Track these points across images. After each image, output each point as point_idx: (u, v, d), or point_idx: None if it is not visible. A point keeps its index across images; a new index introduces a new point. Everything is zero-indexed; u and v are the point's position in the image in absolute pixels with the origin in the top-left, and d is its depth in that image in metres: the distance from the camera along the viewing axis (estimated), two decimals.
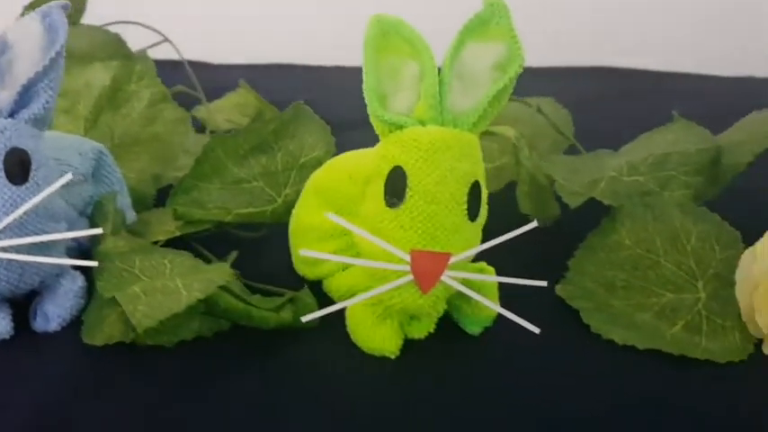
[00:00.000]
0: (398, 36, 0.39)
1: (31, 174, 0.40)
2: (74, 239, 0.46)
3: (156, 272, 0.40)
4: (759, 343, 0.41)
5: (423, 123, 0.38)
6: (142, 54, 0.75)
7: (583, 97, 0.85)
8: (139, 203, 0.52)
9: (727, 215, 0.47)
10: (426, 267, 0.36)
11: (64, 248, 0.43)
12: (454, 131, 0.38)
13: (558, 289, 0.45)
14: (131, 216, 0.50)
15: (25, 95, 0.40)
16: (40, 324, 0.42)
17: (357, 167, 0.41)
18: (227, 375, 0.38)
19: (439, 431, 0.35)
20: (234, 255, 0.47)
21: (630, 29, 1.16)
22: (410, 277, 0.37)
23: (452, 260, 0.37)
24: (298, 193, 0.49)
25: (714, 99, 0.85)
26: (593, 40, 1.12)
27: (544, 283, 0.38)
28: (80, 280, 0.43)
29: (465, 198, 0.37)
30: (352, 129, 0.58)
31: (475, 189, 0.38)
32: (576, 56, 1.06)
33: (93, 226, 0.46)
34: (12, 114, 0.40)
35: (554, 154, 0.60)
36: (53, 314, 0.42)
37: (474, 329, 0.42)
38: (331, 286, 0.43)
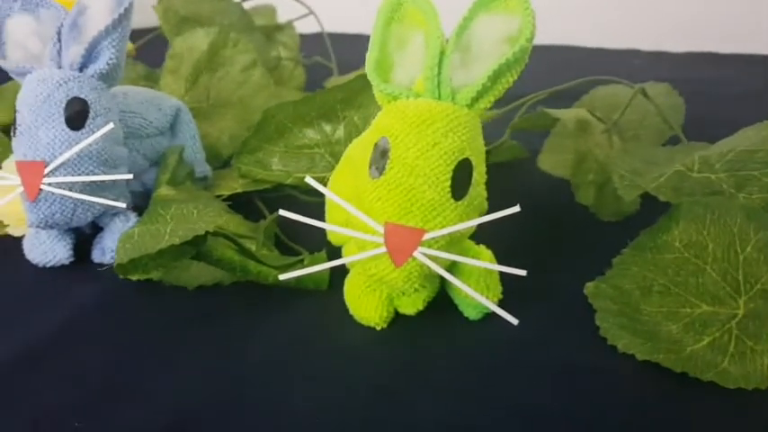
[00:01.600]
0: (413, 5, 0.38)
1: (89, 122, 0.44)
2: (142, 184, 0.50)
3: (181, 218, 0.43)
4: None
5: (418, 96, 0.37)
6: (288, 25, 0.80)
7: (710, 84, 0.76)
8: (216, 160, 0.55)
9: None
10: (398, 241, 0.35)
11: (124, 191, 0.48)
12: (443, 105, 0.36)
13: (588, 286, 0.42)
14: (204, 170, 0.53)
15: (93, 52, 0.45)
16: (96, 255, 0.47)
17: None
18: (211, 323, 0.40)
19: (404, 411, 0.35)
20: (276, 214, 0.49)
21: None
22: (383, 249, 0.36)
23: (426, 237, 0.35)
24: None
25: None
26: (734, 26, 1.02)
27: (523, 272, 0.35)
28: (133, 220, 0.47)
29: (448, 175, 0.35)
30: None
31: (463, 167, 0.36)
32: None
33: (157, 174, 0.50)
34: (81, 68, 0.45)
35: (654, 144, 0.54)
36: (108, 248, 0.47)
37: (471, 314, 0.40)
38: (343, 254, 0.43)
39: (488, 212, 0.51)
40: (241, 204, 0.52)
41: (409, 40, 0.39)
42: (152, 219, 0.43)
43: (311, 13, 0.82)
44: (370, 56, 0.38)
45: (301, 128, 0.53)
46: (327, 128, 0.53)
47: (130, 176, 0.44)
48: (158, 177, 0.49)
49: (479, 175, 0.37)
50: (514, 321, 0.36)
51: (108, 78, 0.46)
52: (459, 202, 0.36)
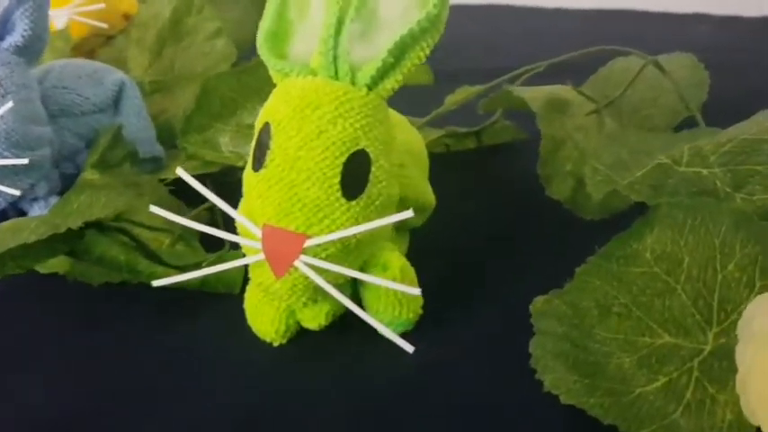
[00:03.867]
0: None
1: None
2: (75, 166, 0.46)
3: (83, 206, 0.39)
4: None
5: (313, 73, 0.31)
6: None
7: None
8: (169, 137, 0.51)
9: None
10: (276, 248, 0.30)
11: (50, 173, 0.44)
12: (333, 86, 0.30)
13: (536, 302, 0.34)
14: (151, 150, 0.49)
15: (6, 24, 0.41)
16: None
17: None
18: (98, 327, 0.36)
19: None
20: (209, 204, 0.44)
21: None
22: (262, 256, 0.30)
23: (308, 243, 0.29)
24: None
25: None
26: None
27: (417, 291, 0.29)
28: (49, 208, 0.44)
29: (337, 170, 0.29)
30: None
31: (356, 161, 0.30)
32: None
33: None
34: None
35: (665, 127, 0.46)
36: None
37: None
38: None
39: (456, 205, 0.44)
40: (190, 187, 0.48)
41: (311, 4, 0.32)
42: (57, 208, 0.39)
43: None
44: (262, 25, 0.32)
45: (255, 104, 0.47)
46: None
47: (24, 161, 0.40)
48: (87, 159, 0.44)
49: (381, 169, 0.30)
50: (409, 349, 0.30)
51: (26, 52, 0.42)
52: (353, 202, 0.30)
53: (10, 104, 0.39)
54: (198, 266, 0.37)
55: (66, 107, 0.45)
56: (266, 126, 0.30)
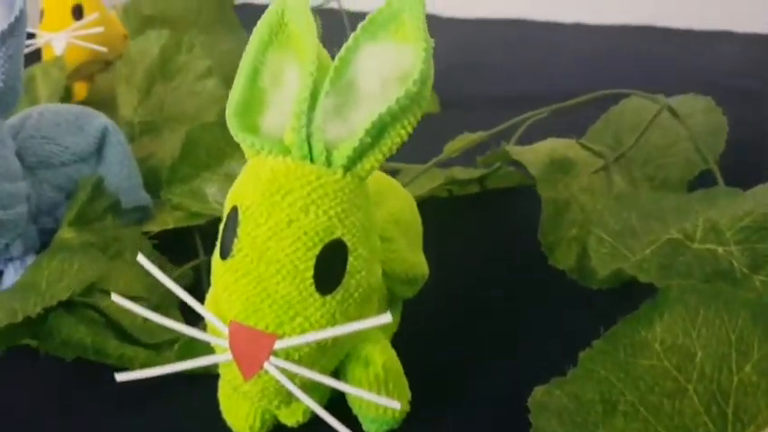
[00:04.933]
0: (297, 29, 0.29)
1: None
2: (55, 220, 0.44)
3: (52, 275, 0.36)
4: None
5: (286, 151, 0.28)
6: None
7: None
8: (156, 184, 0.48)
9: None
10: (244, 348, 0.27)
11: (28, 229, 0.41)
12: (305, 168, 0.27)
13: (537, 393, 0.32)
14: (137, 199, 0.46)
15: None
16: None
17: None
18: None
19: None
20: (198, 261, 0.42)
21: None
22: (229, 356, 0.28)
23: (278, 346, 0.27)
24: None
25: None
26: None
27: (396, 405, 0.26)
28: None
29: (310, 263, 0.27)
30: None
31: (332, 252, 0.27)
32: None
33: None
34: None
35: (680, 182, 0.42)
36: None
37: (370, 428, 0.31)
38: None
39: (458, 257, 0.42)
40: (177, 240, 0.45)
41: (288, 73, 0.30)
42: (25, 278, 0.37)
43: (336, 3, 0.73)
44: (233, 95, 0.30)
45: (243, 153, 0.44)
46: None
47: None
48: (65, 215, 0.42)
49: (360, 258, 0.28)
50: None
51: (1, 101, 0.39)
52: (329, 297, 0.27)
53: None
54: (172, 345, 0.35)
55: (45, 158, 0.43)
56: (234, 210, 0.28)
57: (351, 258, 0.27)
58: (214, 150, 0.44)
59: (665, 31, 0.90)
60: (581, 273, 0.36)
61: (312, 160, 0.28)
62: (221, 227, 0.29)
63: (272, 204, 0.27)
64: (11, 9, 0.39)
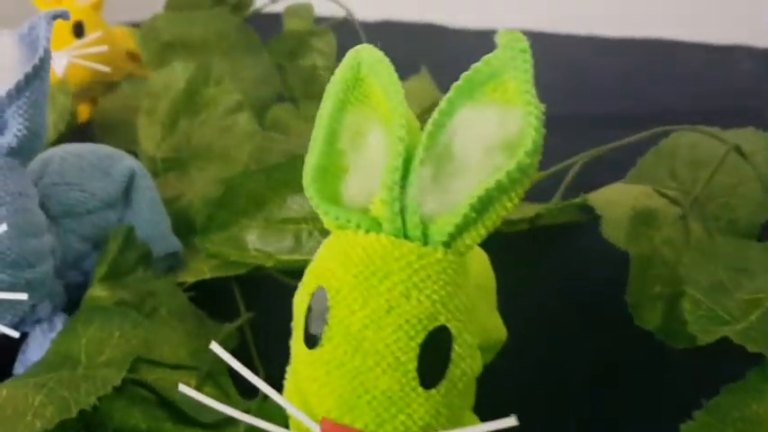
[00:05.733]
0: (376, 85, 0.26)
1: None
2: (82, 273, 0.41)
3: (94, 347, 0.33)
4: None
5: (376, 226, 0.25)
6: (325, 30, 0.69)
7: None
8: (187, 228, 0.45)
9: None
10: None
11: (53, 285, 0.38)
12: (405, 247, 0.24)
13: None
14: (168, 247, 0.43)
15: None
16: (19, 372, 0.38)
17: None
18: None
19: None
20: (244, 318, 0.39)
21: None
22: None
23: None
24: None
25: None
26: None
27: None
28: (59, 327, 0.38)
29: (413, 354, 0.24)
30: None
31: (436, 340, 0.24)
32: None
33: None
34: None
35: (751, 225, 0.40)
36: (30, 364, 0.38)
37: None
38: None
39: (515, 308, 0.39)
40: (213, 290, 0.42)
41: (369, 134, 0.27)
42: (58, 345, 0.33)
43: (349, 15, 0.70)
44: (309, 160, 0.27)
45: (285, 196, 0.42)
46: None
47: (23, 297, 0.34)
48: (95, 270, 0.39)
49: (464, 345, 0.25)
50: None
51: (20, 152, 0.36)
52: (433, 391, 0.24)
53: (3, 228, 0.33)
54: (231, 423, 0.32)
55: (70, 207, 0.39)
56: (321, 292, 0.25)
57: (455, 346, 0.24)
58: (254, 195, 0.41)
59: (673, 44, 0.87)
60: (667, 333, 0.34)
61: (405, 236, 0.25)
62: (300, 309, 0.26)
63: (368, 289, 0.24)
64: (34, 49, 0.36)
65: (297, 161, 0.41)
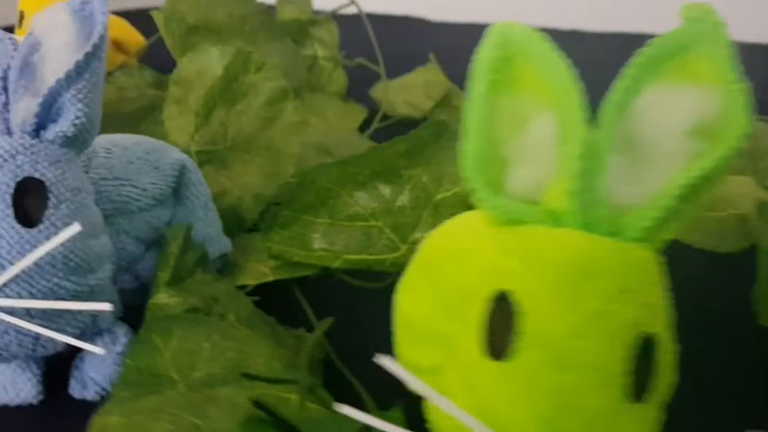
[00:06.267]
0: (530, 64, 0.24)
1: (49, 212, 0.30)
2: (135, 277, 0.37)
3: (184, 362, 0.30)
4: None
5: (556, 220, 0.23)
6: (326, 19, 0.65)
7: None
8: (237, 228, 0.42)
9: None
10: None
11: (110, 295, 0.34)
12: (606, 244, 0.22)
13: None
14: (220, 247, 0.40)
15: (51, 108, 0.31)
16: (75, 390, 0.34)
17: (473, 247, 0.26)
18: None
19: None
20: (327, 322, 0.36)
21: None
22: None
23: None
24: None
25: None
26: None
27: None
28: (122, 340, 0.34)
29: (625, 364, 0.21)
30: None
31: (645, 349, 0.22)
32: None
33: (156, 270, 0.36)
34: (36, 131, 0.31)
35: None
36: (90, 381, 0.34)
37: None
38: (431, 416, 0.29)
39: None
40: (271, 293, 0.39)
41: (529, 119, 0.24)
42: (136, 360, 0.30)
43: (352, 2, 0.67)
44: (469, 148, 0.24)
45: (351, 191, 0.38)
46: (386, 191, 0.38)
47: (109, 308, 0.30)
48: (157, 275, 0.35)
49: (668, 353, 0.22)
50: None
51: (75, 143, 0.32)
52: (643, 405, 0.22)
53: (77, 228, 0.29)
54: None
55: (122, 204, 0.35)
56: (503, 297, 0.22)
57: (661, 353, 0.22)
58: (322, 191, 0.38)
59: None
60: None
61: (595, 232, 0.22)
62: (476, 314, 0.23)
63: (574, 293, 0.21)
64: (89, 25, 0.32)
65: (371, 153, 0.38)
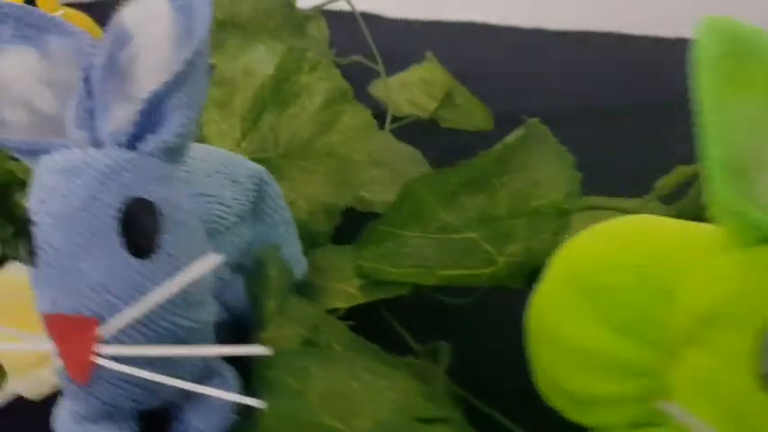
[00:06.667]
0: (760, 62, 0.22)
1: (162, 239, 0.26)
2: (225, 309, 0.32)
3: (342, 410, 0.26)
4: None
5: None
6: (315, 14, 0.61)
7: None
8: (309, 244, 0.38)
9: None
10: None
11: (209, 333, 0.30)
12: None
13: None
14: (301, 267, 0.36)
15: (151, 115, 0.26)
16: None
17: (678, 272, 0.24)
18: None
19: None
20: (447, 349, 0.33)
21: None
22: None
23: None
24: (527, 252, 0.34)
25: None
26: None
27: None
28: (233, 384, 0.30)
29: None
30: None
31: None
32: None
33: (251, 300, 0.32)
34: (132, 142, 0.26)
35: None
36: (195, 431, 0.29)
37: None
38: None
39: None
40: (359, 317, 0.35)
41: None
42: (276, 413, 0.26)
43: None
44: (714, 152, 0.21)
45: (442, 202, 0.36)
46: (480, 199, 0.36)
47: (267, 352, 0.25)
48: (263, 306, 0.31)
49: None
50: None
51: (174, 154, 0.27)
52: None
53: (217, 259, 0.25)
54: None
55: (213, 223, 0.31)
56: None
57: None
58: (419, 203, 0.35)
59: (657, 41, 0.85)
60: None
61: None
62: (745, 346, 0.21)
63: None
64: (188, 18, 0.27)
65: (475, 163, 0.35)
